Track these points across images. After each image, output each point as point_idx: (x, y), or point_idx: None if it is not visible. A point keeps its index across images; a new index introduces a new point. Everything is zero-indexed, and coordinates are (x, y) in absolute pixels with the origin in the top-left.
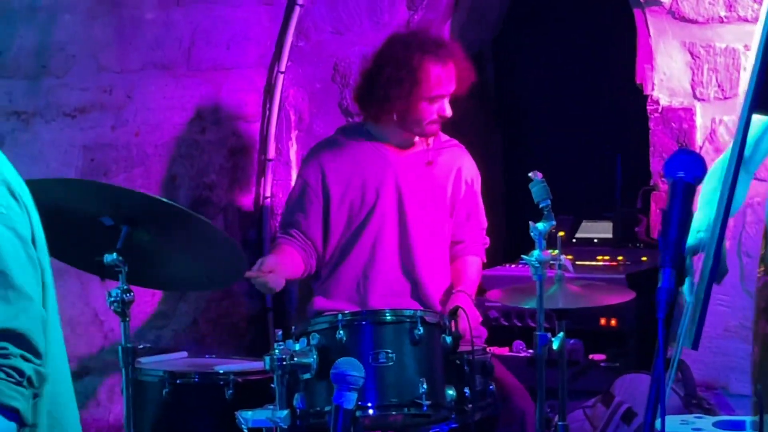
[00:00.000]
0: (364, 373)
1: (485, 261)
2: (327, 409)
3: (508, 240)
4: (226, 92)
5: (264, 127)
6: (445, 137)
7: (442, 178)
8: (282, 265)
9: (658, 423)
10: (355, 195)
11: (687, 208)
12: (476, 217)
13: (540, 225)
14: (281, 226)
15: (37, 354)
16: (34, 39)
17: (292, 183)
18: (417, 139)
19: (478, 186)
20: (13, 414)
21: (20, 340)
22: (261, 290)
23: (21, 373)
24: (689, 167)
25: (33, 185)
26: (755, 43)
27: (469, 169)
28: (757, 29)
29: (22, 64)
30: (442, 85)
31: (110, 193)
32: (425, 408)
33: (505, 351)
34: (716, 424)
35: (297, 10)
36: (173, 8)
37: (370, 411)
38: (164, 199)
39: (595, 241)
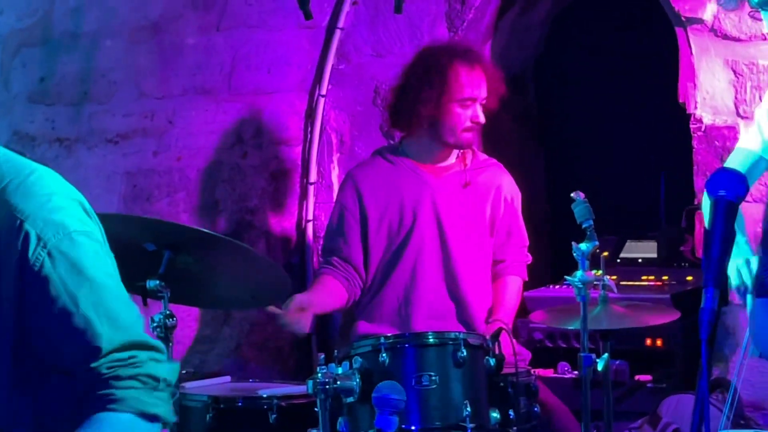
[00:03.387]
0: (405, 397)
1: (527, 279)
2: None
3: (552, 261)
4: (268, 116)
5: (305, 151)
6: (482, 156)
7: (480, 198)
8: (316, 302)
9: None
10: (393, 217)
11: (729, 227)
12: (517, 235)
13: (583, 245)
14: (323, 254)
15: (161, 351)
16: (76, 66)
17: None
18: (454, 159)
19: (518, 203)
20: (154, 418)
21: (143, 345)
22: (288, 329)
23: (155, 378)
24: (731, 185)
25: None
26: None
27: (508, 187)
28: None
29: (65, 91)
30: (473, 86)
31: (152, 223)
32: (469, 431)
33: (549, 372)
34: None
35: (337, 33)
36: (214, 33)
37: None
38: (204, 230)
39: (640, 261)
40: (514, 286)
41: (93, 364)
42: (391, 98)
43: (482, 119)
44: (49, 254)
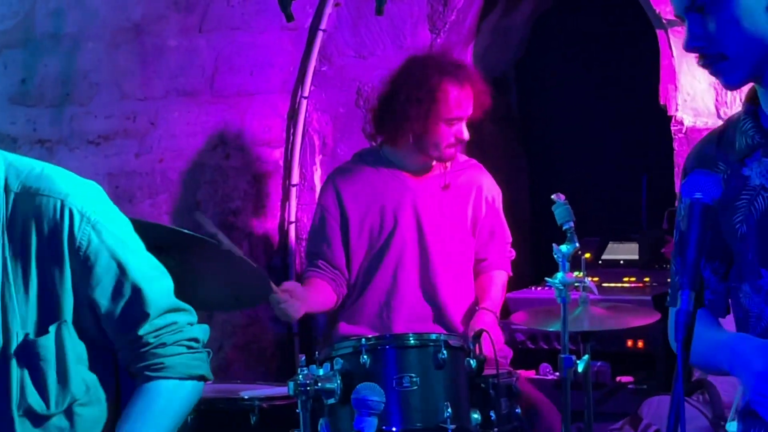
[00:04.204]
0: (384, 398)
1: (511, 274)
2: None
3: (534, 263)
4: (250, 118)
5: (288, 153)
6: (463, 158)
7: (461, 199)
8: (308, 297)
9: (732, 425)
10: (374, 220)
11: (705, 230)
12: (500, 234)
13: (563, 247)
14: (307, 257)
15: (193, 313)
16: (58, 67)
17: None
18: (435, 162)
19: (499, 203)
20: (200, 378)
21: (180, 309)
22: (277, 314)
23: (196, 340)
24: (707, 188)
25: None
26: None
27: (489, 187)
28: None
29: (46, 93)
30: (461, 107)
31: (133, 224)
32: None
33: (531, 374)
34: None
35: (320, 35)
36: (196, 35)
37: None
38: (185, 230)
39: (622, 262)
40: (499, 279)
41: (140, 332)
42: (376, 106)
43: (467, 136)
44: (94, 228)
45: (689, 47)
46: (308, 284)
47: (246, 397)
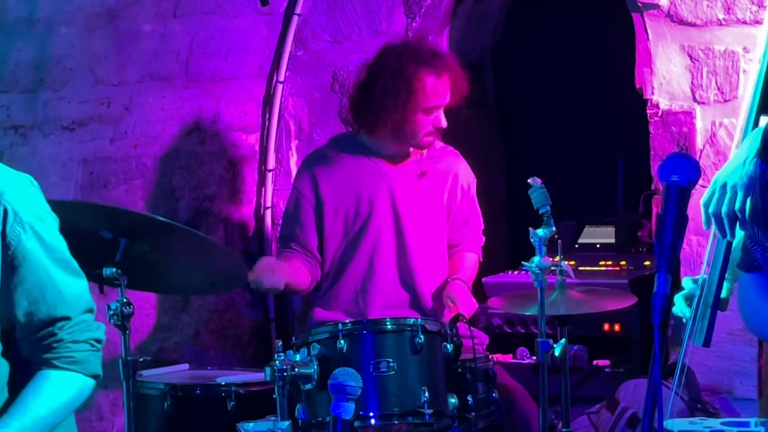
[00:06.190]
0: (361, 383)
1: (481, 259)
2: (329, 419)
3: (510, 247)
4: (225, 103)
5: (264, 138)
6: (439, 144)
7: (437, 186)
8: (284, 269)
9: (671, 423)
10: (350, 206)
11: (682, 212)
12: (474, 222)
13: (540, 231)
14: (280, 240)
15: (94, 310)
16: (31, 53)
17: None
18: (412, 148)
19: (474, 190)
20: (96, 377)
21: (91, 310)
22: (259, 289)
23: (99, 341)
24: (683, 170)
25: None
26: (760, 47)
27: (464, 174)
28: (762, 33)
29: (20, 78)
30: (438, 95)
31: (108, 211)
32: (427, 417)
33: (508, 358)
34: (724, 425)
35: (295, 19)
36: (171, 20)
37: (372, 421)
38: (159, 217)
39: (598, 246)
40: (470, 258)
41: (56, 329)
42: (353, 95)
43: (444, 124)
44: (24, 229)
45: None
46: (284, 259)
47: (223, 383)
